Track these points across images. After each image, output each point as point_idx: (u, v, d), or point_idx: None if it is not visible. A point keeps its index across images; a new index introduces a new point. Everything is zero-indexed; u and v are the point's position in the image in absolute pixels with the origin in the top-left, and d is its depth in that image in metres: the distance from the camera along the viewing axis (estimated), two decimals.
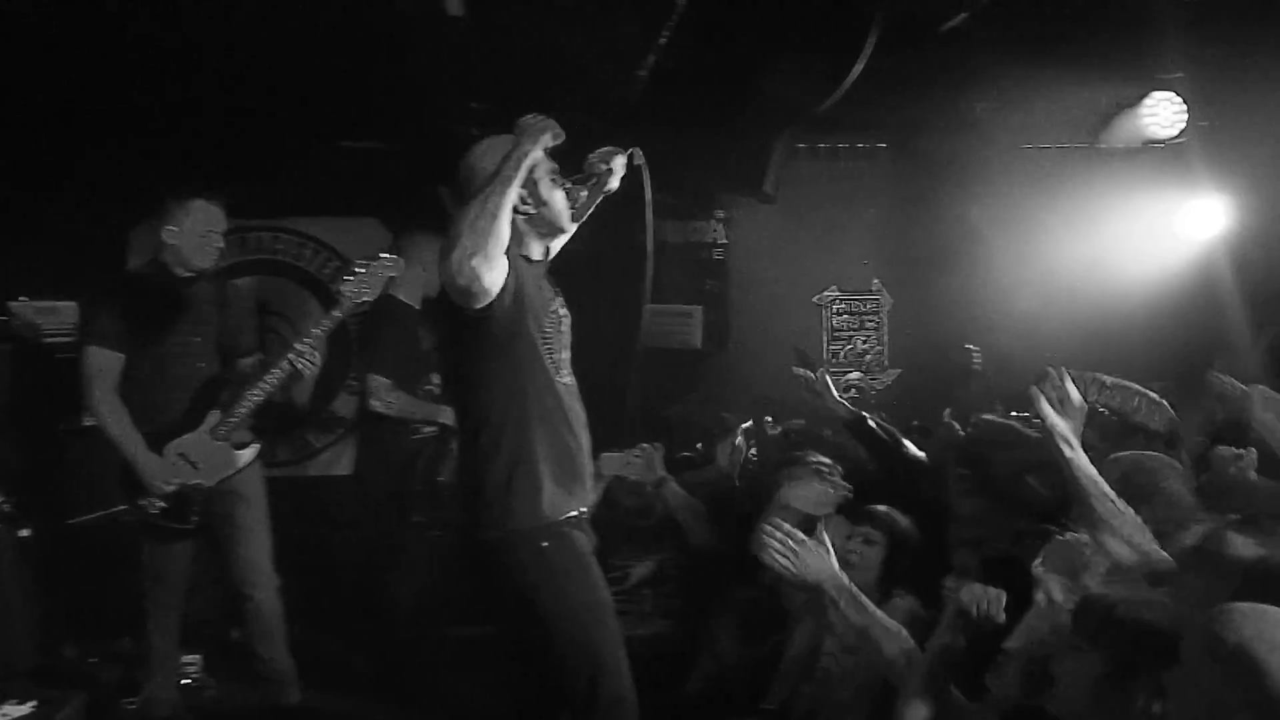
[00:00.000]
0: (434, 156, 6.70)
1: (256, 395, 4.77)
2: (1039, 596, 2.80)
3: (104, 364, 4.74)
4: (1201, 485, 3.82)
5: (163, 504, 4.70)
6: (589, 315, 3.65)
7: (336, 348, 7.03)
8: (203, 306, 4.97)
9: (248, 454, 4.94)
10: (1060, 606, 2.69)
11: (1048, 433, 3.11)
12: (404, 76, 5.04)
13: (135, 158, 6.42)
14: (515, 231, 3.25)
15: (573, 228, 3.47)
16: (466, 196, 3.19)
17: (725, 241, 7.89)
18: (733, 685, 4.35)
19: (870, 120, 7.37)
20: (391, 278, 4.95)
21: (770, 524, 3.21)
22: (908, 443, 4.80)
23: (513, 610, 3.26)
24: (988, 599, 2.74)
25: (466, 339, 3.20)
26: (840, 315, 8.19)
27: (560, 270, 3.62)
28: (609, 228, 3.67)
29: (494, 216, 2.98)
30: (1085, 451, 3.08)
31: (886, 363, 8.17)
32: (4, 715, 4.66)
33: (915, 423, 5.99)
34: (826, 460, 4.54)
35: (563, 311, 3.48)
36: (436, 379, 5.65)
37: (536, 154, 3.16)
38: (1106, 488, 2.93)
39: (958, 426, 4.86)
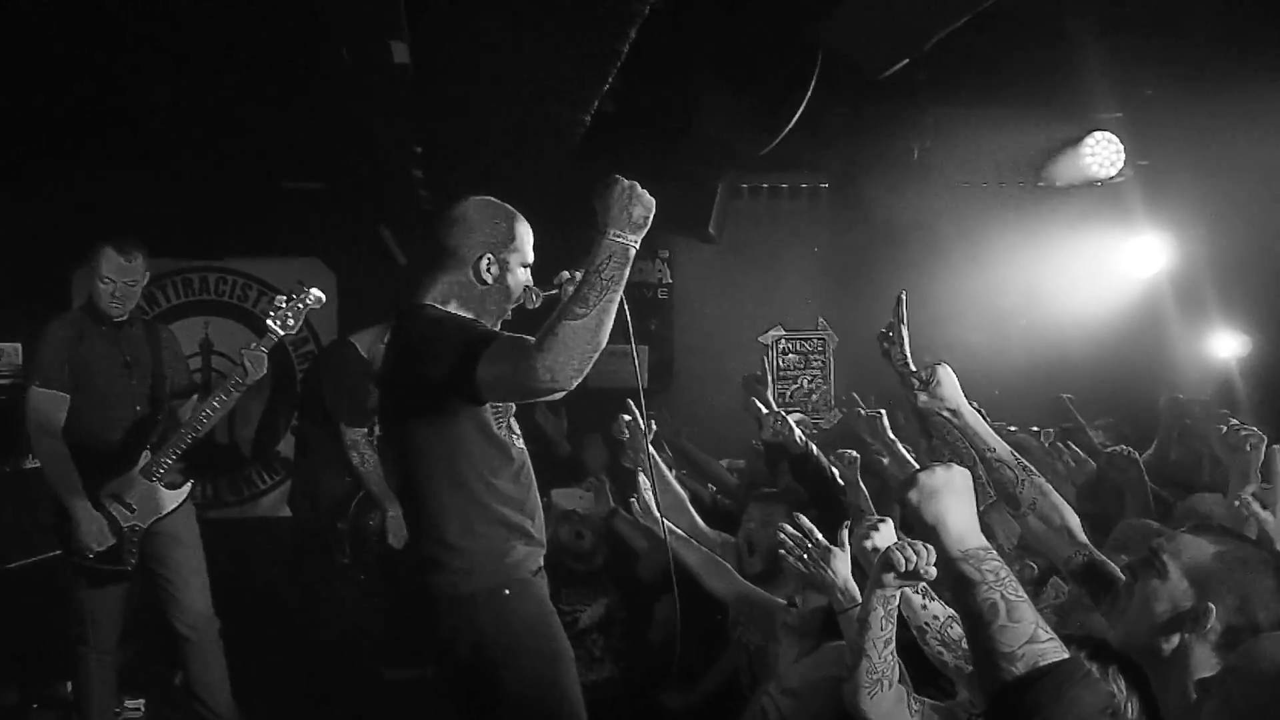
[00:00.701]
0: (376, 197, 6.73)
1: (193, 434, 4.75)
2: None
3: (48, 405, 4.71)
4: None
5: (97, 547, 4.66)
6: None
7: (283, 390, 7.03)
8: (136, 349, 4.95)
9: (180, 494, 4.91)
10: None
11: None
12: (347, 119, 5.04)
13: (80, 198, 6.38)
14: (475, 299, 3.28)
15: (508, 317, 3.43)
16: (448, 243, 3.26)
17: (669, 281, 7.94)
18: None
19: (812, 160, 7.46)
20: (313, 309, 4.92)
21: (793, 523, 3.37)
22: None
23: (468, 659, 3.22)
24: (915, 550, 2.75)
25: (425, 407, 3.19)
26: (786, 354, 8.25)
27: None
28: None
29: (606, 332, 2.91)
30: None
31: (832, 401, 8.23)
32: None
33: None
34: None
35: None
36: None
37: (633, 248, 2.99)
38: None
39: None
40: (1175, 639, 2.38)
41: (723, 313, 8.02)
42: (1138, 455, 5.32)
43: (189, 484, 4.97)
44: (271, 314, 4.78)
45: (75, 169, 6.36)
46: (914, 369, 3.33)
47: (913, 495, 1.97)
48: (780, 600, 4.10)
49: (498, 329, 3.30)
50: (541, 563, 3.36)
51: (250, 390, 4.83)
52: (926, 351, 7.40)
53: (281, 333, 4.78)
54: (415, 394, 3.18)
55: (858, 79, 4.83)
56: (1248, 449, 3.69)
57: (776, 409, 4.94)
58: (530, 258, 3.37)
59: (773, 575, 4.47)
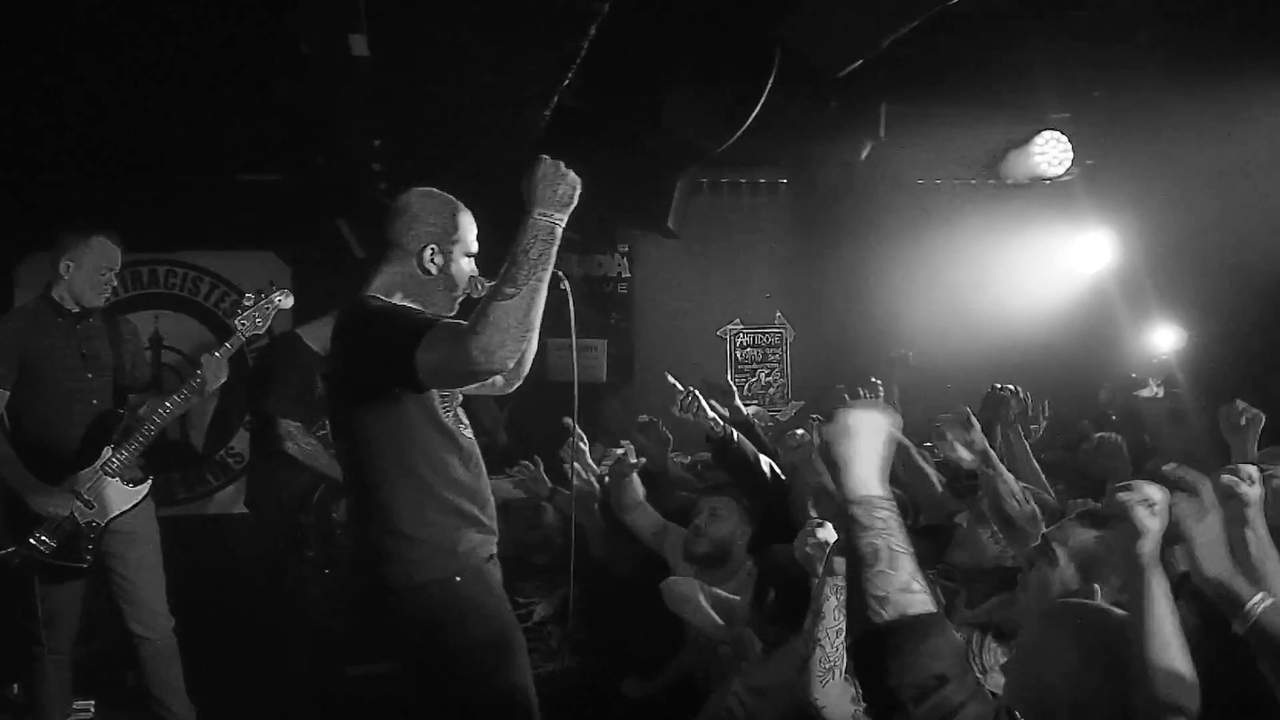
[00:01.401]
0: (333, 190, 6.68)
1: (149, 430, 4.70)
2: None
3: None
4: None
5: (53, 543, 4.58)
6: None
7: (235, 385, 6.97)
8: (95, 343, 4.88)
9: (140, 491, 4.85)
10: None
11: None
12: (305, 111, 5.01)
13: (21, 190, 6.28)
14: (420, 289, 3.28)
15: (455, 307, 3.41)
16: (392, 235, 3.26)
17: (629, 275, 7.96)
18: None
19: (770, 156, 7.50)
20: (281, 310, 4.90)
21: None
22: (768, 465, 4.97)
23: (420, 648, 3.23)
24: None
25: (371, 396, 3.18)
26: (744, 348, 8.30)
27: None
28: None
29: (538, 312, 2.92)
30: None
31: (790, 395, 8.29)
32: None
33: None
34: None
35: None
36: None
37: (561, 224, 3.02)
38: None
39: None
40: None
41: (682, 307, 8.05)
42: (1121, 440, 5.44)
43: (149, 481, 4.91)
44: (239, 314, 4.75)
45: (18, 161, 6.25)
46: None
47: (829, 429, 2.03)
48: (735, 598, 4.14)
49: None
50: (494, 550, 3.37)
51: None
52: (879, 346, 7.53)
53: (249, 334, 4.75)
54: (360, 384, 3.20)
55: (815, 75, 4.87)
56: (1243, 423, 3.98)
57: (691, 389, 4.98)
58: (474, 248, 3.38)
59: (720, 562, 4.53)
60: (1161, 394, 7.20)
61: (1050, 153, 7.47)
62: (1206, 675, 2.22)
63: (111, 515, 4.73)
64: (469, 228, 3.37)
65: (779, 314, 8.35)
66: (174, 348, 7.09)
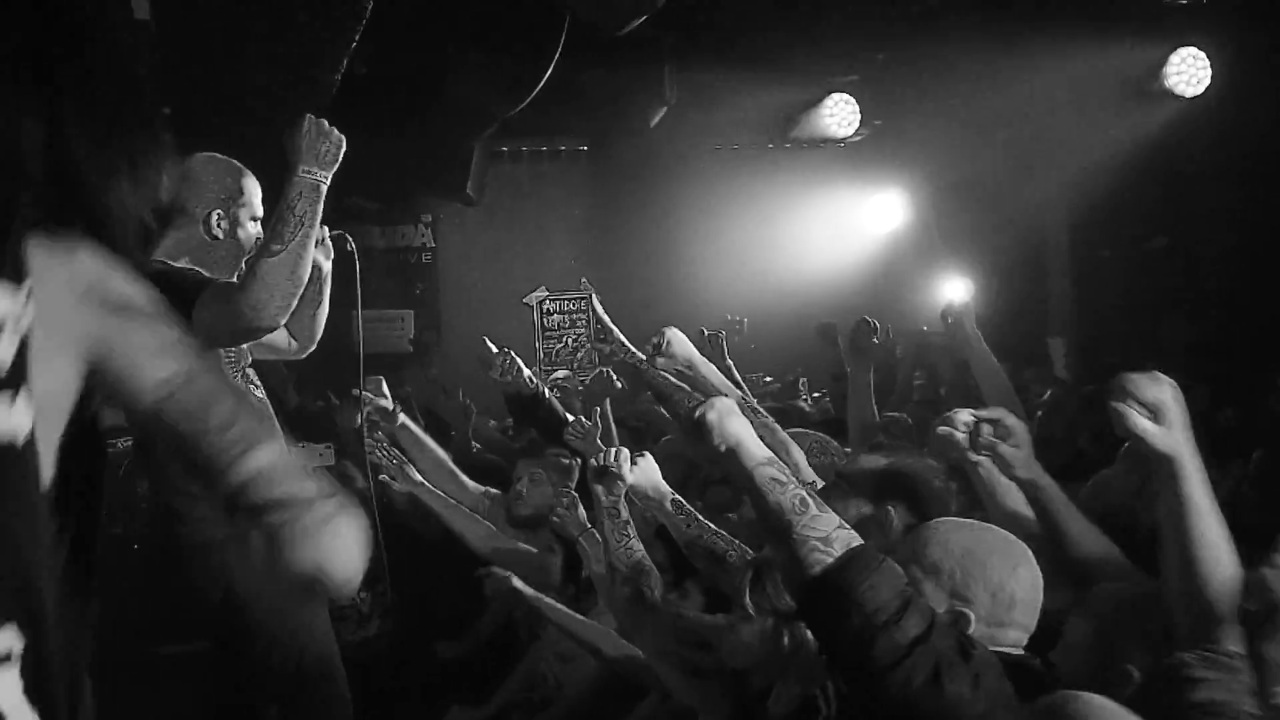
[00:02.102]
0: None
1: None
2: None
3: None
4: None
5: None
6: None
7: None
8: None
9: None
10: None
11: None
12: (87, 77, 4.83)
13: None
14: (206, 254, 3.27)
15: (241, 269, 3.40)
16: (174, 201, 3.19)
17: (433, 245, 7.96)
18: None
19: (567, 125, 7.59)
20: None
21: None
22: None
23: (217, 606, 3.23)
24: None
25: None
26: (551, 315, 8.37)
27: None
28: None
29: (306, 268, 2.90)
30: None
31: (597, 360, 8.40)
32: None
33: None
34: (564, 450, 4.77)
35: None
36: None
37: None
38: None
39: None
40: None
41: (487, 275, 8.08)
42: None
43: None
44: None
45: None
46: (634, 351, 3.60)
47: (711, 416, 2.07)
48: (533, 550, 4.24)
49: None
50: None
51: None
52: (680, 310, 7.71)
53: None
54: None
55: (606, 41, 4.96)
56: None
57: (506, 350, 5.04)
58: (260, 211, 3.35)
59: (543, 524, 4.60)
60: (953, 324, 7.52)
61: (839, 114, 7.76)
62: None
63: None
64: (254, 192, 3.35)
65: (584, 280, 8.44)
66: None
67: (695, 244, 7.98)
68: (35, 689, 1.33)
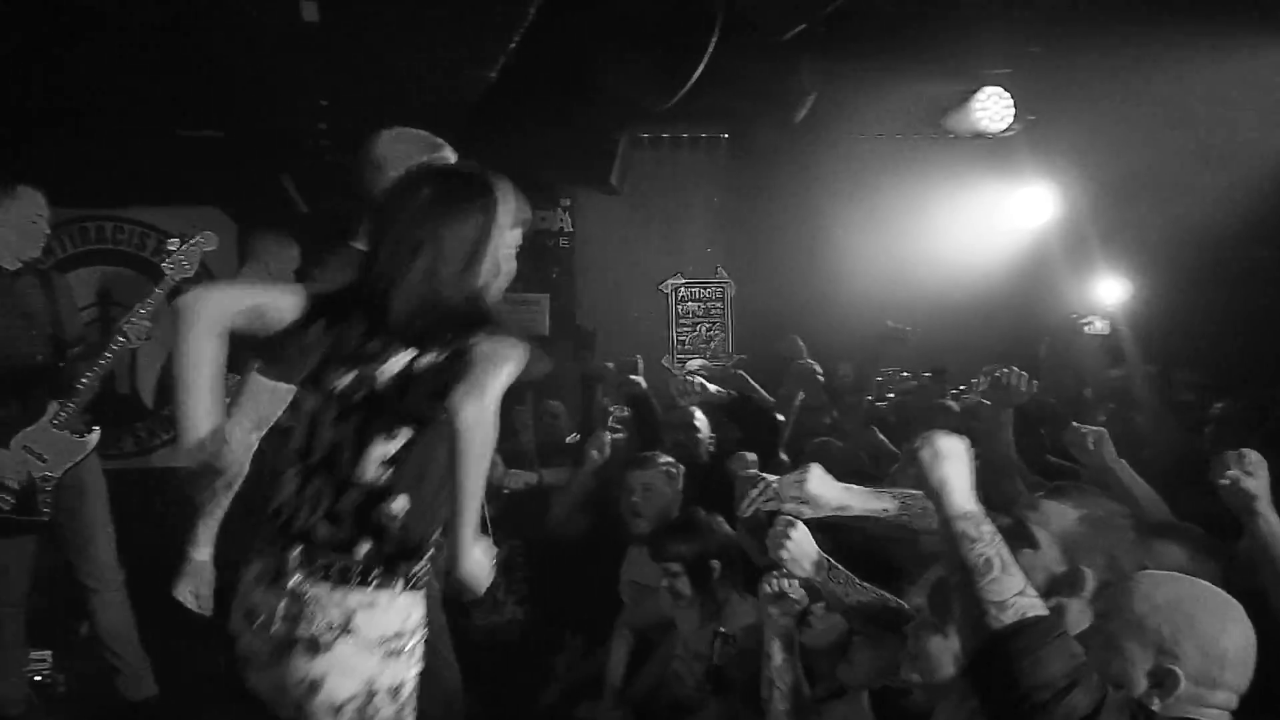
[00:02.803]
0: (278, 146, 6.68)
1: (91, 378, 4.72)
2: None
3: None
4: None
5: (11, 499, 4.62)
6: None
7: None
8: (32, 300, 4.87)
9: (89, 441, 4.89)
10: None
11: None
12: (250, 70, 5.01)
13: None
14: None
15: None
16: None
17: (571, 230, 8.03)
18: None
19: (711, 112, 7.56)
20: (208, 251, 4.92)
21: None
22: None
23: None
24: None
25: None
26: (685, 302, 8.41)
27: None
28: None
29: None
30: None
31: (731, 348, 8.41)
32: None
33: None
34: (671, 460, 4.75)
35: None
36: None
37: None
38: None
39: None
40: (1051, 601, 2.44)
41: (624, 261, 8.13)
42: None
43: (96, 431, 4.93)
44: (166, 259, 4.78)
45: None
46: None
47: (926, 454, 2.13)
48: None
49: None
50: None
51: (151, 339, 4.83)
52: (818, 302, 7.64)
53: (178, 278, 4.77)
54: None
55: (757, 36, 4.95)
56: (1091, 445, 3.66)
57: (683, 371, 5.07)
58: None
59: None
60: (1107, 329, 7.33)
61: (992, 108, 7.59)
62: None
63: (66, 467, 4.77)
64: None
65: (720, 268, 8.46)
66: (120, 302, 7.08)
67: (837, 235, 7.90)
68: None
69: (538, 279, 7.81)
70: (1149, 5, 5.91)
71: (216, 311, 2.48)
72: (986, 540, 2.01)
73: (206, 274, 7.01)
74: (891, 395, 6.59)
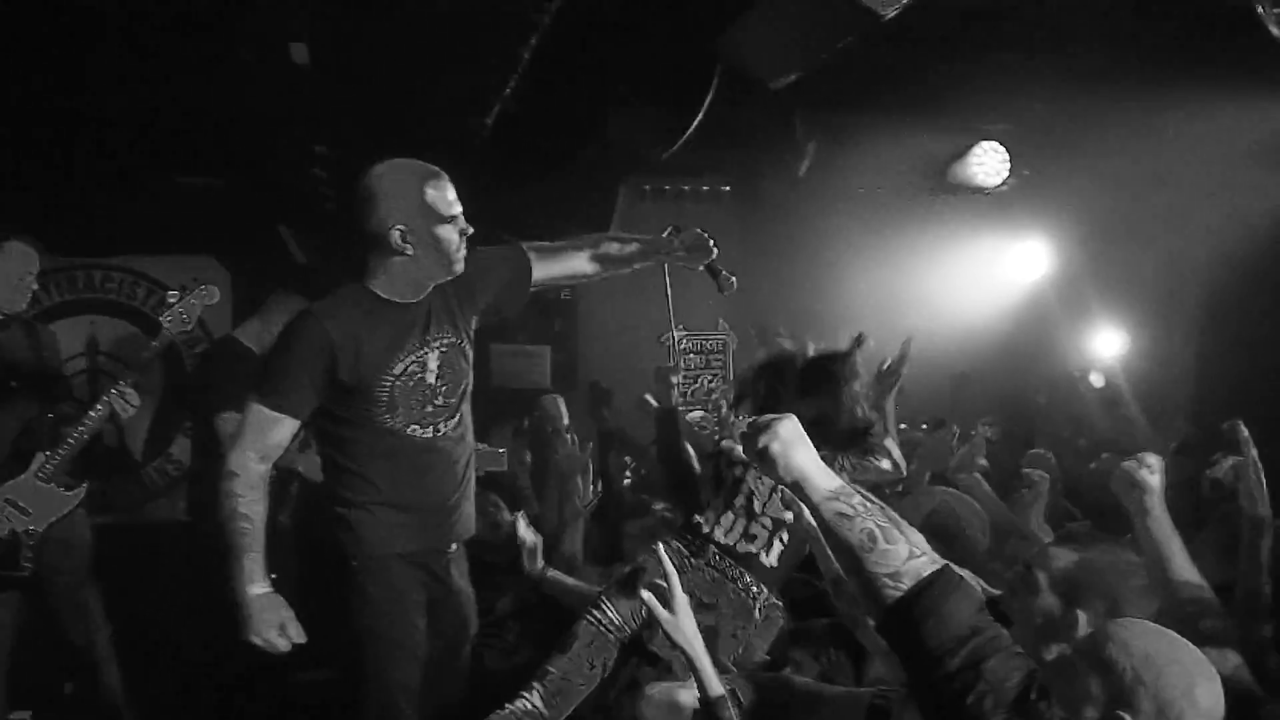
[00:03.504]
0: (274, 195, 6.63)
1: (79, 434, 4.65)
2: None
3: None
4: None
5: None
6: None
7: (175, 390, 6.89)
8: (16, 352, 4.80)
9: (74, 496, 4.80)
10: None
11: None
12: (246, 117, 4.98)
13: None
14: (409, 268, 3.27)
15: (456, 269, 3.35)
16: (360, 222, 3.24)
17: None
18: None
19: (711, 164, 7.56)
20: (208, 306, 4.86)
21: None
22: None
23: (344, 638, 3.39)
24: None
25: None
26: (687, 354, 8.35)
27: None
28: None
29: None
30: None
31: (733, 400, 8.33)
32: None
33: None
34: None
35: (431, 359, 3.41)
36: None
37: None
38: None
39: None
40: (1054, 648, 2.48)
41: (626, 313, 8.05)
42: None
43: (84, 486, 4.85)
44: (165, 312, 4.72)
45: None
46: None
47: (775, 446, 2.01)
48: None
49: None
50: (414, 545, 3.47)
51: (143, 392, 4.76)
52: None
53: (176, 331, 4.71)
54: None
55: (758, 87, 4.93)
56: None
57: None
58: (452, 211, 3.27)
59: None
60: (1103, 383, 7.37)
61: (988, 163, 7.60)
62: None
63: (50, 520, 4.68)
64: (439, 193, 3.25)
65: (721, 321, 8.40)
66: (109, 353, 7.00)
67: (835, 288, 7.87)
68: None
69: (539, 330, 7.74)
70: (1141, 62, 5.92)
71: None
72: (862, 513, 1.93)
73: (201, 329, 7.02)
74: None
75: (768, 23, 4.44)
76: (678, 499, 4.68)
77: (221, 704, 5.46)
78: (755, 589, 3.63)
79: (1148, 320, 7.55)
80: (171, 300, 4.74)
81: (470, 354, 3.56)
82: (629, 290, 8.03)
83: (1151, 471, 2.79)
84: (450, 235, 3.26)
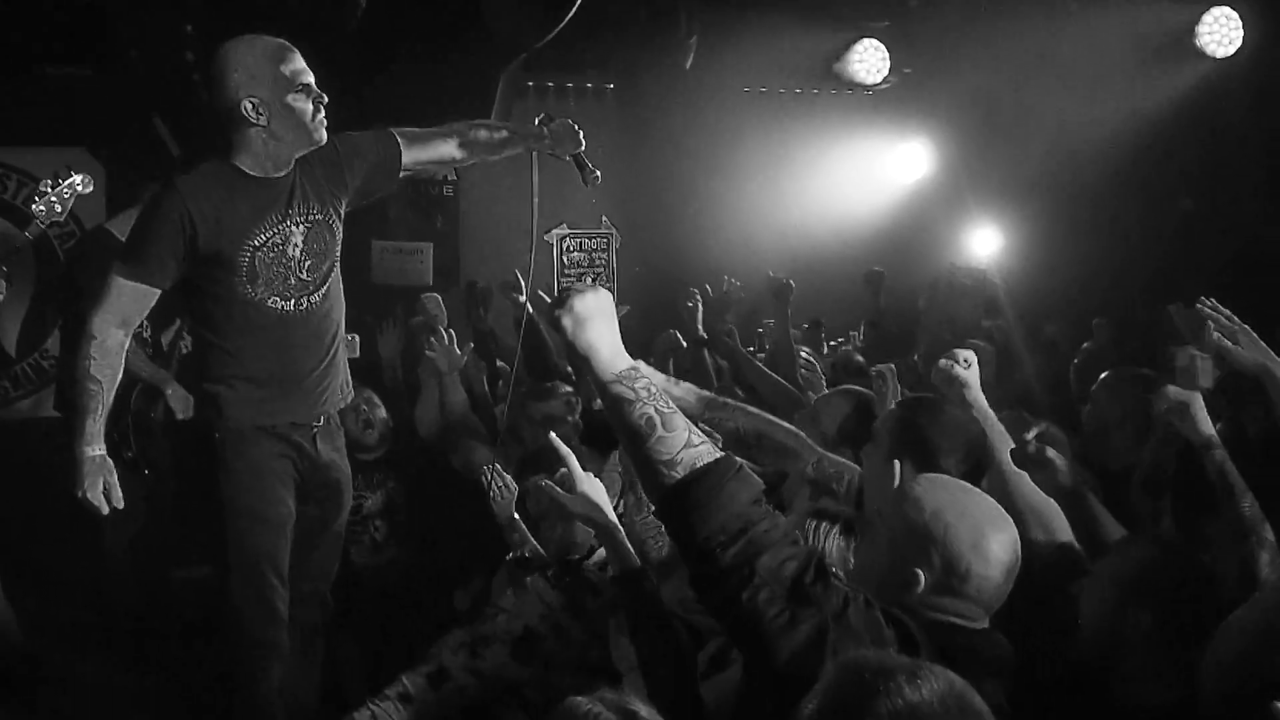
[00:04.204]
0: (147, 84, 6.45)
1: None
2: None
3: None
4: None
5: None
6: None
7: (48, 284, 6.73)
8: None
9: None
10: None
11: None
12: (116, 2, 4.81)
13: None
14: (267, 143, 3.30)
15: (317, 138, 3.37)
16: (217, 97, 3.28)
17: (454, 179, 7.92)
18: None
19: (594, 60, 7.53)
20: (82, 198, 4.76)
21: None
22: None
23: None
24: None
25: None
26: (571, 253, 8.38)
27: None
28: None
29: None
30: None
31: (616, 299, 8.39)
32: None
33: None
34: (571, 390, 4.76)
35: (295, 233, 3.45)
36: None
37: None
38: None
39: None
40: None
41: (508, 211, 8.04)
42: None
43: None
44: (36, 200, 4.60)
45: None
46: None
47: (567, 321, 1.95)
48: None
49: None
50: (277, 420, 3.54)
51: (15, 285, 4.65)
52: (701, 253, 7.69)
53: (48, 220, 4.60)
54: None
55: None
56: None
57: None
58: (302, 81, 3.30)
59: None
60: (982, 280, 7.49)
61: (869, 60, 7.71)
62: None
63: None
64: (287, 64, 3.29)
65: (605, 218, 8.44)
66: None
67: (720, 186, 7.95)
68: None
69: (420, 228, 7.68)
70: None
71: None
72: (644, 398, 1.90)
73: (75, 221, 6.84)
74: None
75: None
76: None
77: (97, 602, 5.43)
78: None
79: (1026, 218, 7.73)
80: (44, 189, 4.62)
81: (339, 231, 3.61)
82: (512, 188, 8.02)
83: (967, 365, 2.98)
84: (303, 105, 3.29)
